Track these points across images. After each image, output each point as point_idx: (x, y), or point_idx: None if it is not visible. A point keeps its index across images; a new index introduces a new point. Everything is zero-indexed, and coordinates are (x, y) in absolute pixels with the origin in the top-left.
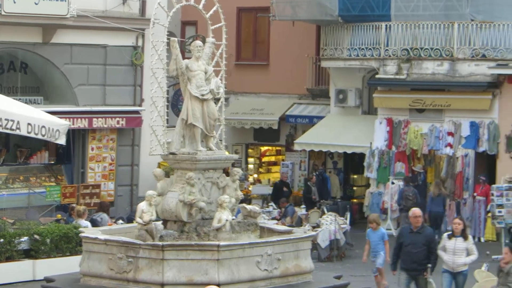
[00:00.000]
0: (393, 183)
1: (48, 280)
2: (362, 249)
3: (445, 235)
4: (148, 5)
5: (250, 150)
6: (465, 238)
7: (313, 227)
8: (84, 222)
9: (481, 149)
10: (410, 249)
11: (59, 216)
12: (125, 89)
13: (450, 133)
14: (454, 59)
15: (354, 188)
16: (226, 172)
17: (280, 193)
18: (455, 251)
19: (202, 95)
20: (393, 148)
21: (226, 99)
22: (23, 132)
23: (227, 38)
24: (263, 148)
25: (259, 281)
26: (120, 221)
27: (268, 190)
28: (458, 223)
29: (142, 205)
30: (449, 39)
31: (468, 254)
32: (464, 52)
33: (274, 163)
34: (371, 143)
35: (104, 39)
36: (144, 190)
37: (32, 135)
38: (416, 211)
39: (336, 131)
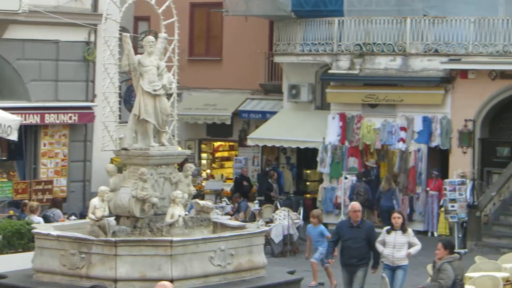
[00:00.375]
0: (346, 178)
1: (0, 276)
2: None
3: (384, 229)
4: (101, 0)
5: (203, 146)
6: (404, 231)
7: (267, 222)
8: (36, 218)
9: (433, 144)
10: (350, 244)
11: (11, 212)
12: (77, 84)
13: (403, 128)
14: (407, 54)
15: (307, 183)
16: (180, 168)
17: (240, 188)
18: (395, 245)
19: (155, 90)
20: (346, 143)
21: (179, 95)
22: None
23: (180, 33)
24: (216, 144)
25: (212, 277)
26: (73, 217)
27: (221, 185)
28: (397, 217)
29: (94, 201)
30: (401, 34)
31: (410, 247)
32: (417, 47)
33: (227, 159)
34: (324, 138)
35: (56, 35)
36: (96, 186)
37: None
38: (355, 205)
39: (289, 126)
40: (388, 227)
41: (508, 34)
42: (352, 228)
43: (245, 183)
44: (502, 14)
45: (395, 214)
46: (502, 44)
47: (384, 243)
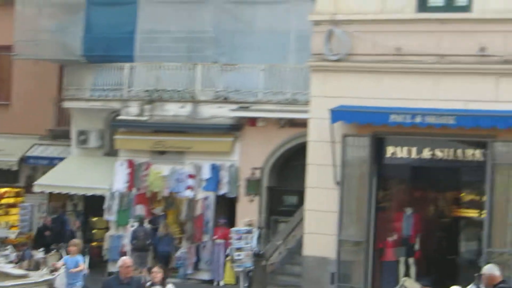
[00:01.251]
0: (132, 226)
1: None
2: None
3: (147, 284)
4: None
5: None
6: (164, 286)
7: (51, 271)
8: None
9: (221, 192)
10: None
11: None
12: None
13: (191, 176)
14: (197, 101)
15: (94, 231)
16: None
17: (42, 238)
18: None
19: None
20: (134, 190)
21: None
22: None
23: None
24: (2, 190)
25: None
26: None
27: (6, 233)
28: (157, 271)
29: None
30: (192, 81)
31: None
32: (207, 95)
33: (13, 205)
34: (111, 186)
35: None
36: None
37: None
38: (126, 260)
39: (76, 173)
40: (150, 282)
41: (297, 83)
42: (122, 285)
43: (47, 232)
44: (292, 62)
45: (155, 269)
46: (291, 92)
47: None
